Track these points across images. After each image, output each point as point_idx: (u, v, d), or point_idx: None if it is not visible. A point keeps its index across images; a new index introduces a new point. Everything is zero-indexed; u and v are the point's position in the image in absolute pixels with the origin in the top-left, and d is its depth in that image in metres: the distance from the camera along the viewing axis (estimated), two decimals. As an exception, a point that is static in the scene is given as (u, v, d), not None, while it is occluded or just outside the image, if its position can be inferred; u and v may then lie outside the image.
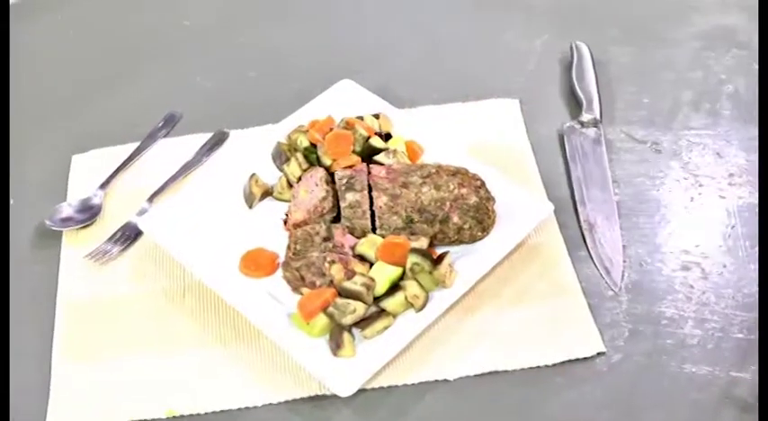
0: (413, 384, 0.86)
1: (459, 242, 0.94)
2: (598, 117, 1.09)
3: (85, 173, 1.07)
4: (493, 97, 1.14)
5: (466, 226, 0.93)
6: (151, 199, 1.02)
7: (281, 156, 1.02)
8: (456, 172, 0.95)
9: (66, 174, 1.07)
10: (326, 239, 0.90)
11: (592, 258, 0.96)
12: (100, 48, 1.25)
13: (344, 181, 0.94)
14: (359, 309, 0.86)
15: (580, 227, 0.99)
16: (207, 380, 0.87)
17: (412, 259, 0.89)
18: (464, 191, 0.93)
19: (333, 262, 0.88)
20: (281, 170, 1.02)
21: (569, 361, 0.87)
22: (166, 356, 0.89)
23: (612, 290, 0.93)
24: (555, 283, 0.94)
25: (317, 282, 0.88)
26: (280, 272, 0.93)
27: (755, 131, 1.08)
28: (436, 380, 0.86)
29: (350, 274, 0.88)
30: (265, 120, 1.11)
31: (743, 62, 1.17)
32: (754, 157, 1.06)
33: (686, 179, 1.04)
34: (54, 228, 0.99)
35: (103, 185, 1.03)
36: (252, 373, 0.87)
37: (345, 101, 1.08)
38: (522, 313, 0.91)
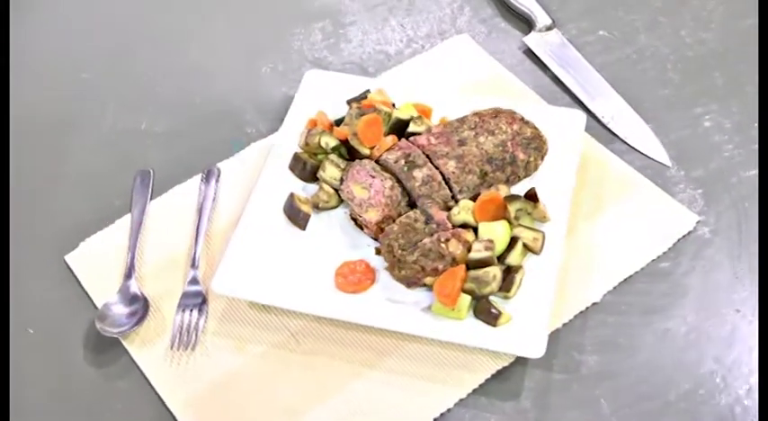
0: (570, 321, 0.86)
1: (526, 176, 0.94)
2: (551, 22, 1.12)
3: (94, 268, 0.92)
4: (437, 42, 1.13)
5: (531, 158, 0.93)
6: (194, 263, 0.91)
7: (305, 165, 0.95)
8: (496, 113, 0.94)
9: (69, 277, 0.92)
10: (427, 222, 0.86)
11: (630, 145, 1.00)
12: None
13: (403, 162, 0.90)
14: (497, 273, 0.84)
15: (600, 123, 1.02)
16: (385, 407, 0.81)
17: (514, 206, 0.88)
18: (515, 127, 0.93)
19: (448, 240, 0.85)
20: (310, 180, 0.95)
21: (678, 240, 0.91)
22: (326, 404, 0.82)
23: (664, 165, 0.98)
24: (618, 180, 0.97)
25: (440, 266, 0.84)
26: (382, 276, 0.88)
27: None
28: (587, 308, 0.87)
29: (467, 245, 0.85)
30: (244, 141, 1.03)
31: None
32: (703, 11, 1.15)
33: (656, 47, 1.10)
34: (114, 336, 0.86)
35: (129, 273, 0.90)
36: (421, 381, 0.83)
37: (325, 91, 1.02)
38: (610, 218, 0.93)
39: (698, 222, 0.93)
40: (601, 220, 0.93)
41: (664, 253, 0.91)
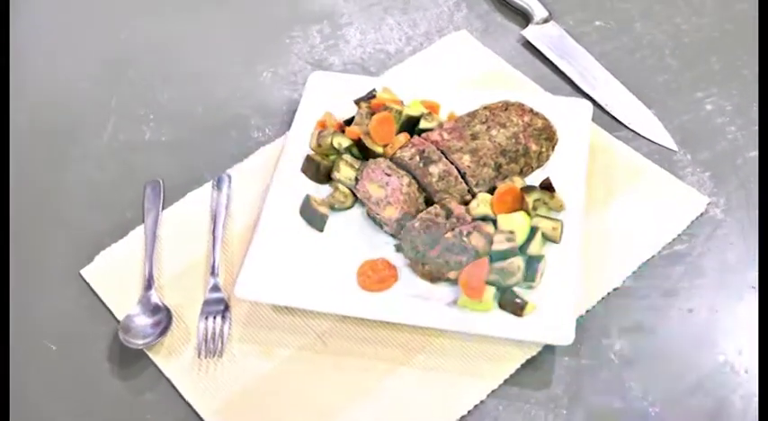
0: (593, 307, 0.87)
1: (538, 166, 0.95)
2: (547, 14, 1.13)
3: (111, 280, 0.92)
4: (436, 39, 1.14)
5: (543, 149, 0.93)
6: (213, 271, 0.90)
7: (318, 166, 0.95)
8: (505, 105, 0.95)
9: (86, 292, 0.91)
10: (448, 217, 0.86)
11: (635, 132, 1.01)
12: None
13: (418, 158, 0.90)
14: (521, 264, 0.84)
15: (604, 111, 1.03)
16: (419, 403, 0.82)
17: (533, 197, 0.88)
18: (526, 118, 0.94)
19: (470, 233, 0.85)
20: (323, 181, 0.95)
21: (692, 223, 0.92)
22: (360, 404, 0.82)
23: (671, 150, 0.99)
24: (626, 166, 0.98)
25: (463, 260, 0.85)
26: (404, 273, 0.88)
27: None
28: (608, 294, 0.88)
29: (489, 238, 0.86)
30: (250, 148, 1.02)
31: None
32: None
33: (652, 35, 1.12)
34: (139, 347, 0.85)
35: (149, 284, 0.90)
36: (452, 375, 0.83)
37: (330, 92, 1.02)
38: (622, 204, 0.94)
39: (708, 204, 0.94)
40: (614, 207, 0.94)
41: (678, 235, 0.92)
